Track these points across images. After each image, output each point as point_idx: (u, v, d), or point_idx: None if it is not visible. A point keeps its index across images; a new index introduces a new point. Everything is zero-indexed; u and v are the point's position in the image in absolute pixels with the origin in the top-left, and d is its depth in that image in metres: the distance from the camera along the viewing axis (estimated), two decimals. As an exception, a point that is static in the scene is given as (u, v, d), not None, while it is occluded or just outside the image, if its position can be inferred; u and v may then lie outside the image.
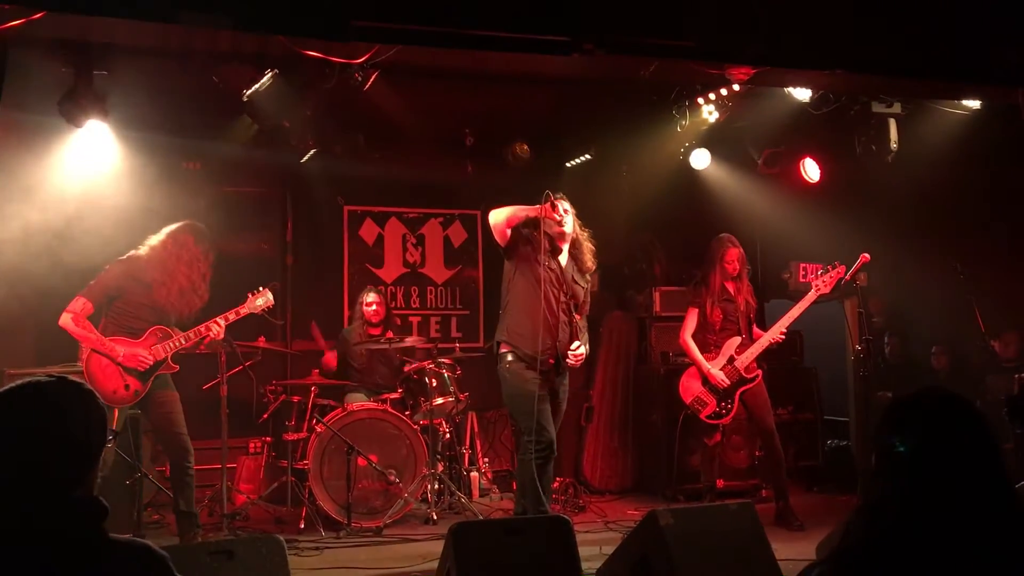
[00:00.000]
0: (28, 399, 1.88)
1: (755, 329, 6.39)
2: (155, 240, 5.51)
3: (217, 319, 5.49)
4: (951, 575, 1.71)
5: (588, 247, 5.32)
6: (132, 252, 5.50)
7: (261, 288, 5.73)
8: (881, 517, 1.81)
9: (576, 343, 5.15)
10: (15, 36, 4.55)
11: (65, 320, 5.27)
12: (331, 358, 7.23)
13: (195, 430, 5.58)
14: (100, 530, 1.83)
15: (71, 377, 1.97)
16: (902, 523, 1.77)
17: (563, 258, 5.23)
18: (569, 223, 5.17)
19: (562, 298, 5.13)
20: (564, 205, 5.13)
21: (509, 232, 5.14)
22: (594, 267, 5.35)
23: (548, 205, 5.01)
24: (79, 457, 1.89)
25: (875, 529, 1.80)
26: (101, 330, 5.34)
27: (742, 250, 6.37)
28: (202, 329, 5.46)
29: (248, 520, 6.33)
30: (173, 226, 5.57)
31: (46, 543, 1.76)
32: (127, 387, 5.31)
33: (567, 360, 5.13)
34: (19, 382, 1.91)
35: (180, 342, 5.42)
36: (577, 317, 5.24)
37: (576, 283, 5.24)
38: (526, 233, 5.16)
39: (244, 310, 5.63)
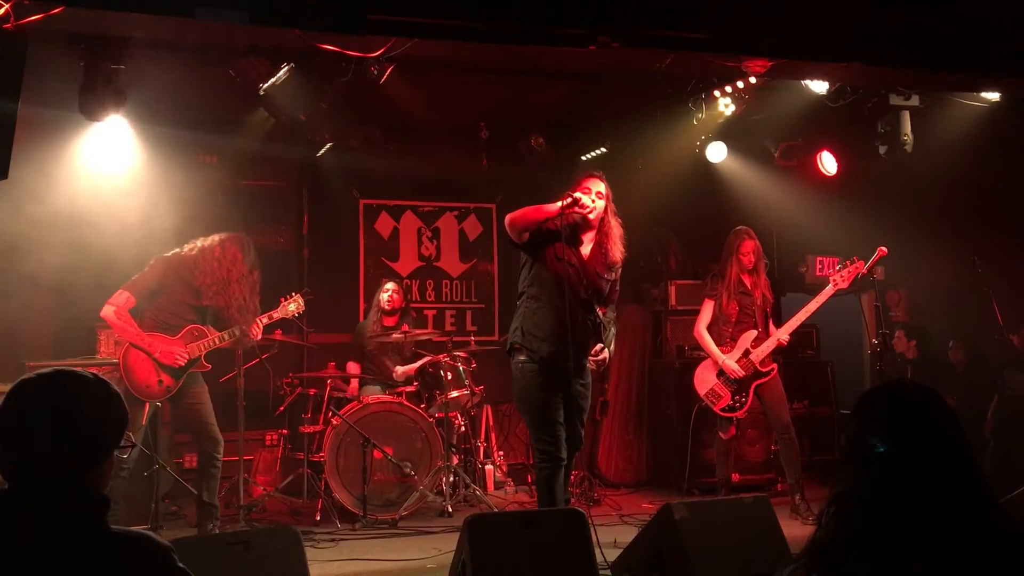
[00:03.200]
0: (51, 388, 1.89)
1: (771, 323, 6.37)
2: (205, 244, 5.57)
3: (255, 322, 5.63)
4: (919, 567, 1.71)
5: (617, 235, 4.88)
6: (178, 250, 5.58)
7: (294, 294, 5.95)
8: (850, 508, 1.81)
9: (599, 346, 4.79)
10: (34, 31, 4.57)
11: (107, 312, 5.35)
12: (353, 367, 7.20)
13: (213, 422, 5.62)
14: (101, 522, 1.84)
15: (97, 374, 1.97)
16: (870, 515, 1.78)
17: (586, 249, 4.87)
18: (600, 207, 4.81)
19: (582, 295, 4.77)
20: (598, 187, 4.82)
21: (527, 235, 4.78)
22: (621, 257, 4.90)
23: (569, 201, 4.67)
24: (91, 451, 1.89)
25: (844, 520, 1.81)
26: (140, 324, 5.41)
27: (758, 242, 6.35)
28: (236, 332, 5.56)
29: (265, 512, 6.38)
30: (222, 235, 5.66)
31: (46, 533, 1.77)
32: (160, 382, 5.39)
33: (587, 364, 4.86)
34: (46, 371, 1.93)
35: (215, 342, 5.51)
36: (601, 312, 4.86)
37: (599, 276, 4.85)
38: (544, 229, 4.80)
39: (277, 314, 5.82)
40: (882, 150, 6.68)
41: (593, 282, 4.83)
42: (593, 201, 4.78)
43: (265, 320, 5.72)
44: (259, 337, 5.72)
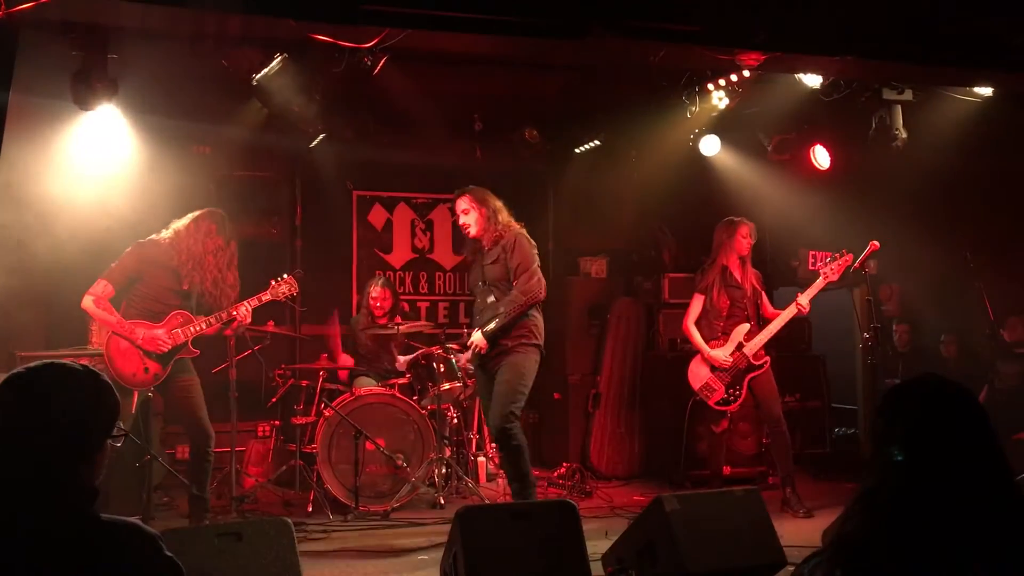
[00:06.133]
0: (40, 381, 1.89)
1: (765, 308, 6.36)
2: (179, 225, 5.51)
3: (243, 303, 5.50)
4: (947, 562, 1.71)
5: (482, 226, 5.47)
6: (154, 236, 5.51)
7: (286, 276, 5.74)
8: (878, 504, 1.81)
9: (475, 333, 5.44)
10: (25, 19, 4.55)
11: (87, 303, 5.28)
12: (347, 360, 7.20)
13: (205, 414, 5.60)
14: (88, 512, 1.83)
15: (88, 365, 1.97)
16: (898, 510, 1.77)
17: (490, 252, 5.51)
18: (471, 221, 5.47)
19: (481, 285, 5.54)
20: (462, 205, 5.51)
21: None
22: (495, 234, 5.44)
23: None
24: (81, 443, 1.89)
25: (872, 516, 1.80)
26: (122, 312, 5.35)
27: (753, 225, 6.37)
28: (223, 315, 5.47)
29: (257, 503, 6.37)
30: (196, 212, 5.58)
31: (34, 525, 1.77)
32: (146, 370, 5.32)
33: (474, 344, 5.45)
34: (36, 363, 1.93)
35: (201, 327, 5.43)
36: (492, 300, 5.42)
37: (489, 264, 5.46)
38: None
39: (267, 297, 5.64)
40: (874, 144, 6.68)
41: (484, 273, 5.51)
42: (464, 211, 5.52)
43: (254, 303, 5.55)
44: (248, 320, 5.54)
